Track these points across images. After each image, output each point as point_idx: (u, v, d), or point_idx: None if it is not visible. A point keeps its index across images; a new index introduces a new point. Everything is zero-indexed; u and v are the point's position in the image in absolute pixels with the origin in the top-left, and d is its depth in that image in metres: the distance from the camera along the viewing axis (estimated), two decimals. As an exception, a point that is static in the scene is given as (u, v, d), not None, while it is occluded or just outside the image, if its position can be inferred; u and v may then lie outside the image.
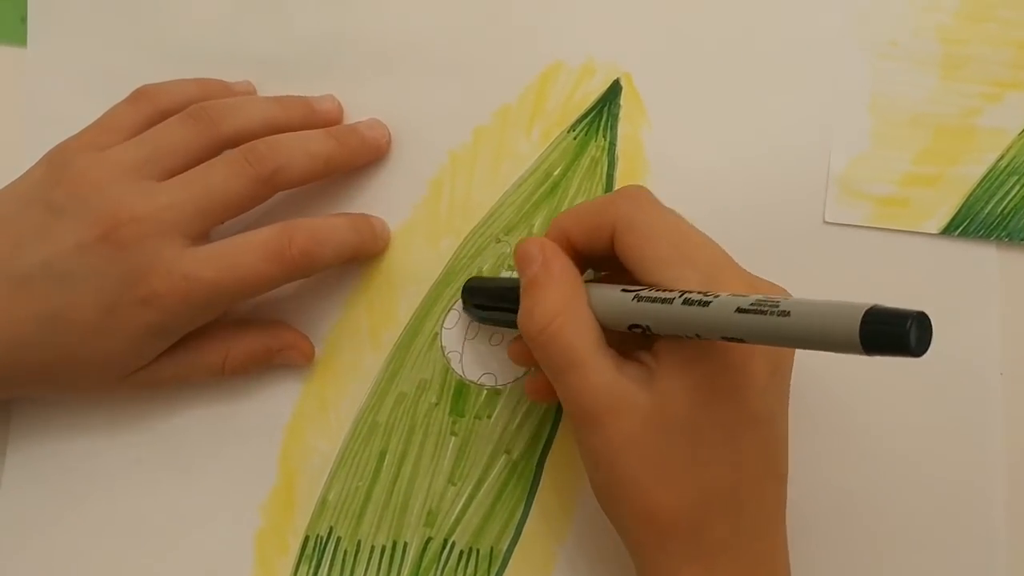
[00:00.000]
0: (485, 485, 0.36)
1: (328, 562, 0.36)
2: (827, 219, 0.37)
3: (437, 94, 0.39)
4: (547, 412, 0.37)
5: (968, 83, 0.37)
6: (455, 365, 0.37)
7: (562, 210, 0.38)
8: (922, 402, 0.36)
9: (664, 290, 0.28)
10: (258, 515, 0.37)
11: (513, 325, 0.31)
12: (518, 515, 0.36)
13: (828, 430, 0.36)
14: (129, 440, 0.37)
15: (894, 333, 0.21)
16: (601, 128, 0.38)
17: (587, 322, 0.29)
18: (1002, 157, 0.37)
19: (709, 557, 0.29)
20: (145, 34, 0.40)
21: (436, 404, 0.37)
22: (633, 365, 0.29)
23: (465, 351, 0.37)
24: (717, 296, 0.26)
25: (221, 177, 0.33)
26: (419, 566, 0.36)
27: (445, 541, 0.36)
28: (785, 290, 0.31)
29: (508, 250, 0.37)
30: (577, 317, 0.29)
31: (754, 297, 0.25)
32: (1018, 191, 0.37)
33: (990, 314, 0.36)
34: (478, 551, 0.36)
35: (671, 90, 0.38)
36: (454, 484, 0.36)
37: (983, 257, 0.37)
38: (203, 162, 0.34)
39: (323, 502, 0.37)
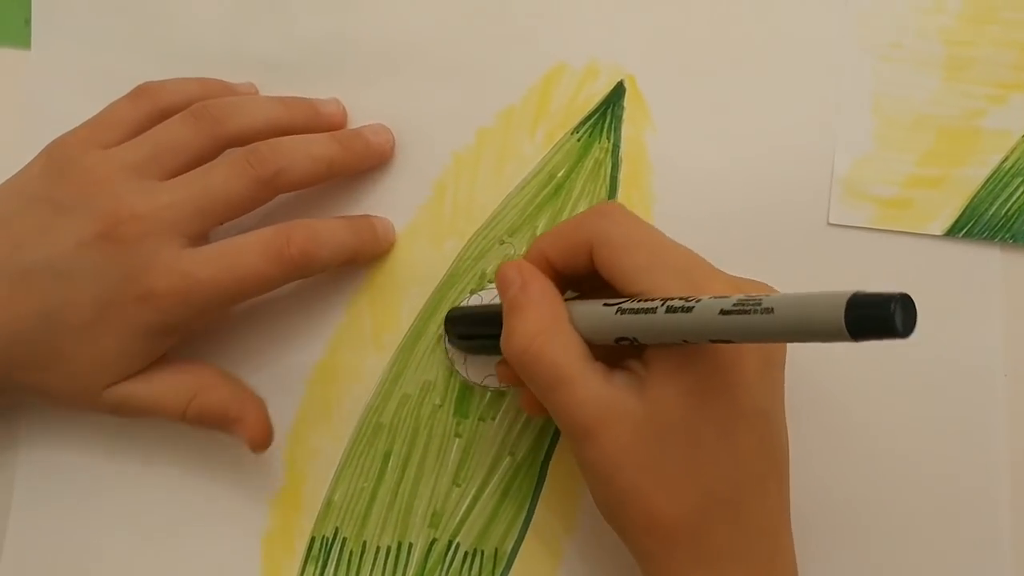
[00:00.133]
0: (489, 486, 0.37)
1: (334, 563, 0.37)
2: (831, 221, 0.37)
3: (441, 96, 0.39)
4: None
5: (972, 85, 0.37)
6: (459, 367, 0.37)
7: (565, 212, 0.38)
8: (925, 403, 0.36)
9: (646, 299, 0.28)
10: (264, 516, 0.37)
11: (499, 351, 0.31)
12: (522, 516, 0.36)
13: (831, 432, 0.36)
14: (136, 442, 0.37)
15: (879, 316, 0.21)
16: (605, 130, 0.38)
17: (570, 339, 0.29)
18: (1006, 159, 0.37)
19: (715, 560, 0.29)
20: (149, 37, 0.40)
21: (440, 406, 0.37)
22: (623, 374, 0.29)
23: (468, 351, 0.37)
24: (699, 300, 0.26)
25: (222, 178, 0.33)
26: (424, 567, 0.36)
27: (450, 542, 0.36)
28: (769, 286, 0.31)
29: (512, 252, 0.38)
30: (559, 334, 0.29)
31: (736, 297, 0.25)
32: (1022, 193, 0.37)
33: (994, 316, 0.36)
34: (483, 552, 0.36)
35: (675, 92, 0.38)
36: (458, 485, 0.37)
37: (987, 259, 0.37)
38: (206, 162, 0.34)
39: (328, 503, 0.37)
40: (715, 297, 0.26)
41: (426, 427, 0.37)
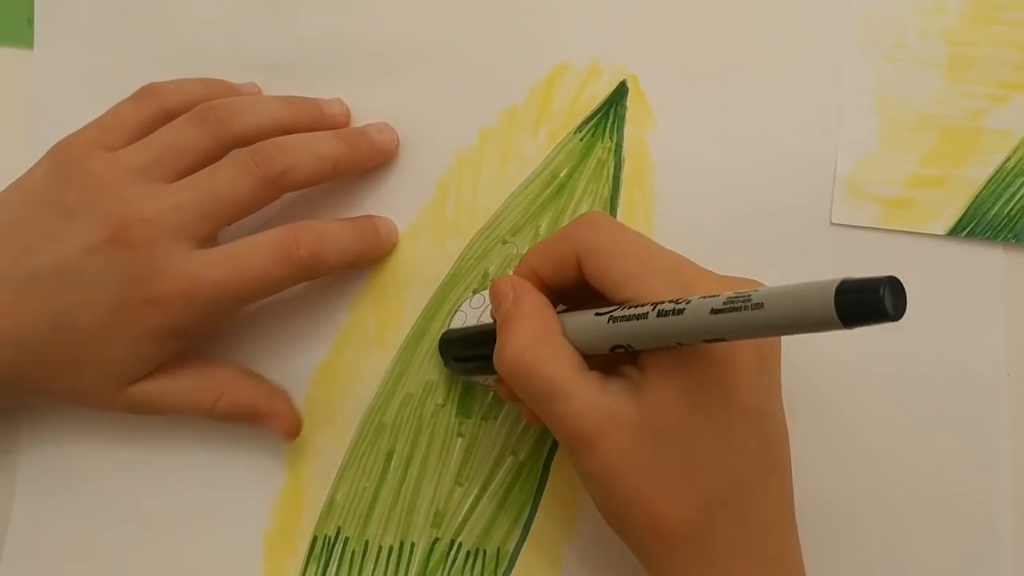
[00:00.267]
0: (492, 486, 0.37)
1: (336, 562, 0.36)
2: (834, 220, 0.37)
3: (443, 95, 0.39)
4: (554, 413, 0.37)
5: (974, 84, 0.37)
6: (462, 366, 0.37)
7: (568, 212, 0.38)
8: (928, 403, 0.36)
9: (637, 305, 0.28)
10: (267, 515, 0.37)
11: (494, 371, 0.31)
12: (525, 516, 0.36)
13: (833, 432, 0.36)
14: (138, 441, 0.37)
15: (869, 301, 0.21)
16: (607, 130, 0.38)
17: (562, 350, 0.29)
18: (1009, 158, 0.37)
19: (721, 560, 0.29)
20: (151, 37, 0.40)
21: (443, 405, 0.37)
22: (618, 381, 0.29)
23: (472, 352, 0.37)
24: (689, 301, 0.26)
25: (228, 179, 0.33)
26: (426, 566, 0.36)
27: (452, 541, 0.36)
28: (759, 282, 0.30)
29: (514, 251, 0.38)
30: (551, 346, 0.29)
31: (726, 295, 0.25)
32: (1024, 192, 0.37)
33: (996, 315, 0.36)
34: (485, 551, 0.36)
35: (677, 92, 0.38)
36: (461, 485, 0.37)
37: (989, 258, 0.37)
38: (211, 162, 0.34)
39: (331, 502, 0.37)
40: (705, 297, 0.26)
41: (429, 427, 0.37)
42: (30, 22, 0.40)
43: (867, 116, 0.37)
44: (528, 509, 0.36)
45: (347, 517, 0.37)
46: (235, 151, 0.34)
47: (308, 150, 0.34)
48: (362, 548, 0.37)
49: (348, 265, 0.36)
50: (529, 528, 0.36)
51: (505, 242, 0.38)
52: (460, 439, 0.37)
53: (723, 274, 0.30)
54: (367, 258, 0.37)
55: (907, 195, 0.37)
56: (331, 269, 0.35)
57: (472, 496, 0.37)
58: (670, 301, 0.27)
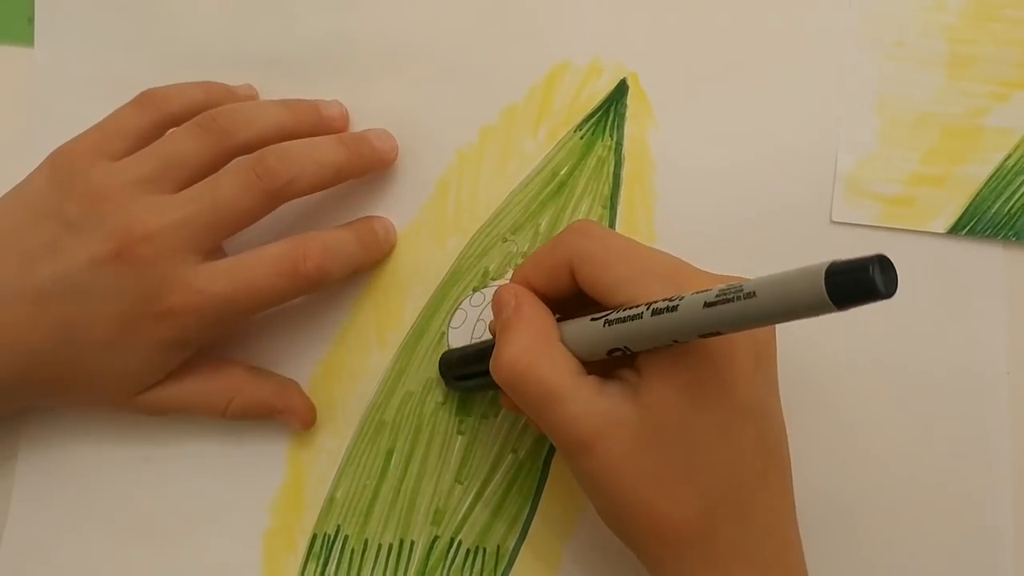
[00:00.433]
0: (492, 484, 0.36)
1: (336, 560, 0.36)
2: (834, 219, 0.37)
3: (444, 94, 0.39)
4: (554, 411, 0.37)
5: (975, 83, 0.37)
6: (462, 364, 0.37)
7: (568, 210, 0.38)
8: (928, 401, 0.36)
9: (631, 307, 0.28)
10: (266, 514, 0.37)
11: (497, 385, 0.31)
12: (524, 514, 0.36)
13: (833, 431, 0.36)
14: (138, 439, 0.37)
15: (860, 280, 0.21)
16: (608, 128, 0.38)
17: (559, 355, 0.29)
18: (1009, 156, 0.37)
19: (725, 560, 0.28)
20: (152, 35, 0.40)
21: (443, 403, 0.37)
22: (615, 384, 0.29)
23: (472, 350, 0.37)
24: (682, 298, 0.26)
25: (231, 192, 0.33)
26: (426, 564, 0.36)
27: (452, 539, 0.36)
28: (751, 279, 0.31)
29: (515, 249, 0.38)
30: (548, 352, 0.29)
31: (718, 288, 0.25)
32: (1025, 191, 0.37)
33: (997, 313, 0.36)
34: (485, 549, 0.36)
35: (677, 90, 0.38)
36: (461, 483, 0.37)
37: (990, 256, 0.37)
38: (214, 170, 0.34)
39: (330, 500, 0.37)
40: (698, 292, 0.26)
41: (428, 425, 0.37)
42: (30, 20, 0.40)
43: (868, 114, 0.37)
44: (528, 507, 0.36)
45: (347, 515, 0.37)
46: (239, 160, 0.34)
47: (311, 158, 0.34)
48: (362, 546, 0.37)
49: (350, 274, 0.36)
50: (529, 526, 0.36)
51: (505, 240, 0.38)
52: (460, 437, 0.37)
53: (722, 272, 0.30)
54: (367, 266, 0.37)
55: (907, 193, 0.37)
56: (336, 280, 0.35)
57: (472, 494, 0.36)
58: (664, 300, 0.27)
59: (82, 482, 0.37)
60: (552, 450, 0.37)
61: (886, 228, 0.37)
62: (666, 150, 0.38)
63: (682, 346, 0.28)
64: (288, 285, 0.33)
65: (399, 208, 0.38)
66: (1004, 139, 0.37)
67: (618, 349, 0.28)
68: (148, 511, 0.37)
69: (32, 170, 0.34)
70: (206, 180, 0.33)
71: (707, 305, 0.25)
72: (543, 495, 0.36)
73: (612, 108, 0.38)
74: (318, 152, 0.35)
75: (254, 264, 0.33)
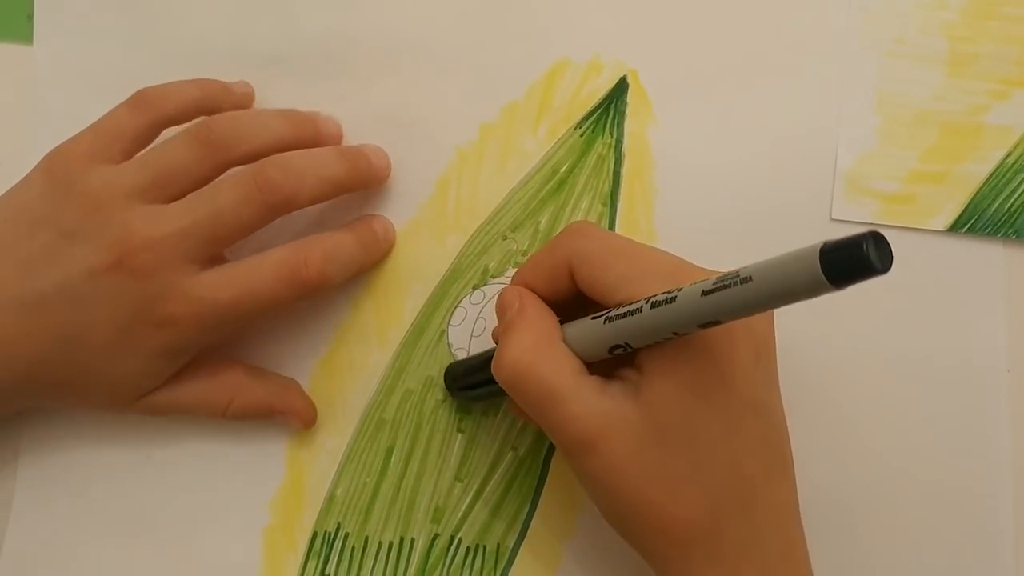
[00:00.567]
0: (492, 482, 0.37)
1: (336, 558, 0.36)
2: (834, 216, 0.37)
3: (444, 91, 0.39)
4: (554, 409, 0.37)
5: (975, 80, 0.37)
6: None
7: (568, 207, 0.38)
8: (928, 399, 0.36)
9: (631, 303, 0.28)
10: (266, 512, 0.37)
11: (504, 393, 0.31)
12: (524, 511, 0.36)
13: (832, 428, 0.36)
14: (139, 438, 0.37)
15: (854, 257, 0.21)
16: (608, 125, 0.38)
17: (561, 355, 0.29)
18: (1009, 154, 0.37)
19: (731, 557, 0.28)
20: (151, 32, 0.40)
21: (443, 401, 0.37)
22: (617, 384, 0.29)
23: (472, 348, 0.37)
24: (680, 289, 0.26)
25: (231, 203, 0.33)
26: (426, 562, 0.36)
27: (452, 537, 0.36)
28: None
29: (515, 247, 0.38)
30: (549, 352, 0.29)
31: (715, 276, 0.25)
32: (1025, 188, 0.37)
33: (996, 311, 0.36)
34: (485, 547, 0.36)
35: (677, 87, 0.38)
36: (461, 481, 0.37)
37: (989, 254, 0.37)
38: (211, 180, 0.34)
39: (331, 498, 0.37)
40: (695, 283, 0.26)
41: (428, 423, 0.37)
42: (30, 17, 0.40)
43: (867, 112, 0.37)
44: (528, 505, 0.36)
45: (347, 513, 0.37)
46: (238, 170, 0.34)
47: (312, 172, 0.34)
48: (362, 544, 0.37)
49: (352, 276, 0.36)
50: (529, 524, 0.36)
51: (505, 238, 0.38)
52: (460, 435, 0.37)
53: (722, 270, 0.30)
54: (367, 267, 0.37)
55: (907, 191, 0.37)
56: (337, 285, 0.35)
57: (472, 492, 0.37)
58: (663, 293, 0.27)
59: (84, 481, 0.37)
60: (552, 448, 0.37)
61: (886, 226, 0.37)
62: (666, 147, 0.38)
63: (682, 343, 0.28)
64: (289, 292, 0.33)
65: (399, 206, 0.38)
66: (1004, 137, 0.37)
67: (619, 346, 0.28)
68: (149, 509, 0.37)
69: (28, 172, 0.34)
70: (205, 189, 0.33)
71: (704, 294, 0.25)
72: (543, 493, 0.36)
73: (612, 105, 0.38)
74: (319, 165, 0.34)
75: (254, 271, 0.33)
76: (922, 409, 0.36)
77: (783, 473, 0.30)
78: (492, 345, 0.36)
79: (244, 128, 0.34)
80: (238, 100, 0.37)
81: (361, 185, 0.37)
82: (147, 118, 0.35)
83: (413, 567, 0.36)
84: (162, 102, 0.35)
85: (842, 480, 0.36)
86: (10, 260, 0.32)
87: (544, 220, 0.38)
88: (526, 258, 0.37)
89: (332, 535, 0.37)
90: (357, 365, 0.38)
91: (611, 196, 0.38)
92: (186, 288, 0.32)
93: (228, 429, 0.37)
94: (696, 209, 0.37)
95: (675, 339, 0.28)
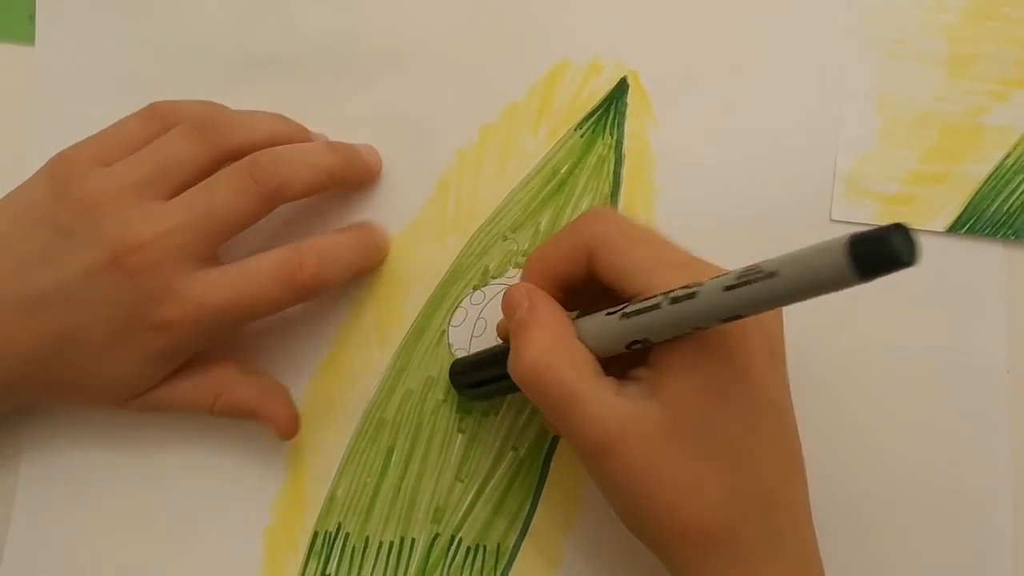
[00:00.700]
0: (492, 482, 0.37)
1: (336, 558, 0.37)
2: (834, 217, 0.37)
3: (444, 92, 0.39)
4: (554, 409, 0.37)
5: (975, 81, 0.37)
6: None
7: (569, 208, 0.38)
8: (928, 400, 0.36)
9: (648, 298, 0.28)
10: (267, 512, 0.37)
11: (514, 389, 0.30)
12: (525, 511, 0.36)
13: (832, 429, 0.36)
14: (140, 438, 0.37)
15: (883, 249, 0.21)
16: (608, 126, 0.38)
17: (579, 354, 0.29)
18: (1008, 155, 0.37)
19: (750, 559, 0.28)
20: (153, 33, 0.40)
21: (443, 401, 0.37)
22: (633, 385, 0.29)
23: (472, 348, 0.37)
24: (701, 284, 0.26)
25: (226, 197, 0.33)
26: (427, 562, 0.36)
27: (452, 537, 0.36)
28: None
29: (515, 248, 0.38)
30: (567, 351, 0.29)
31: (737, 271, 0.25)
32: (1024, 189, 0.37)
33: (996, 312, 0.36)
34: (485, 547, 0.36)
35: (678, 88, 0.38)
36: (461, 481, 0.37)
37: (989, 255, 0.37)
38: (208, 174, 0.34)
39: (331, 499, 0.37)
40: (715, 277, 0.26)
41: (429, 423, 0.37)
42: (31, 18, 0.40)
43: (867, 113, 0.37)
44: (528, 505, 0.36)
45: (347, 513, 0.37)
46: (232, 164, 0.34)
47: (304, 162, 0.34)
48: (362, 544, 0.37)
49: (349, 279, 0.36)
50: (529, 524, 0.36)
51: (505, 239, 0.38)
52: (460, 435, 0.37)
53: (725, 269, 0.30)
54: (367, 270, 0.37)
55: (907, 192, 0.37)
56: (334, 288, 0.35)
57: (472, 492, 0.37)
58: (681, 288, 0.26)
59: (85, 480, 0.37)
60: (552, 448, 0.37)
61: (886, 226, 0.37)
62: (666, 148, 0.38)
63: (698, 342, 0.28)
64: (286, 294, 0.33)
65: (399, 207, 0.38)
66: (1004, 138, 0.37)
67: (638, 342, 0.28)
68: (150, 509, 0.37)
69: (32, 173, 0.34)
70: (200, 185, 0.33)
71: (727, 289, 0.25)
72: (543, 493, 0.36)
73: (612, 106, 0.38)
74: (311, 155, 0.35)
75: (251, 274, 0.33)
76: (921, 409, 0.36)
77: (798, 474, 0.30)
78: (493, 346, 0.36)
79: (239, 118, 0.35)
80: None
81: (353, 177, 0.37)
82: (158, 131, 0.34)
83: (413, 567, 0.36)
84: (173, 116, 0.35)
85: (841, 480, 0.36)
86: (9, 259, 0.33)
87: (544, 221, 0.38)
88: (526, 259, 0.37)
89: (333, 535, 0.37)
90: (358, 366, 0.38)
91: (611, 197, 0.38)
92: (182, 290, 0.32)
93: (229, 429, 0.37)
94: (696, 209, 0.37)
95: (689, 337, 0.27)
